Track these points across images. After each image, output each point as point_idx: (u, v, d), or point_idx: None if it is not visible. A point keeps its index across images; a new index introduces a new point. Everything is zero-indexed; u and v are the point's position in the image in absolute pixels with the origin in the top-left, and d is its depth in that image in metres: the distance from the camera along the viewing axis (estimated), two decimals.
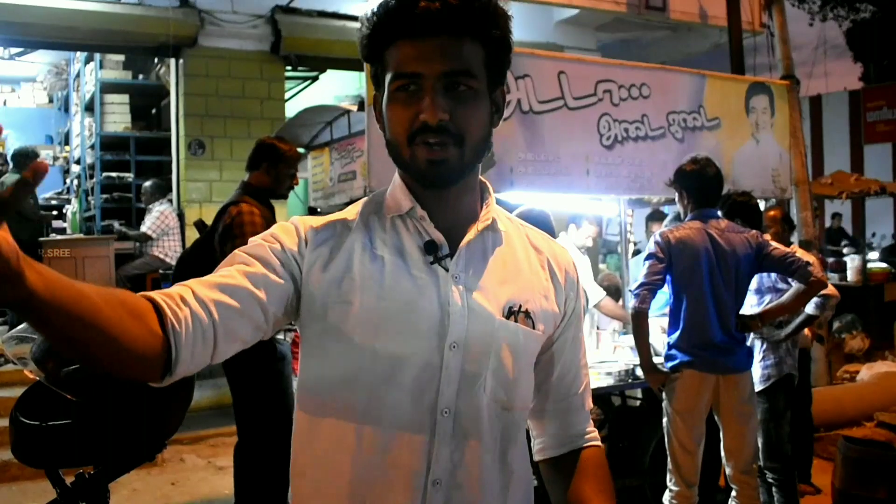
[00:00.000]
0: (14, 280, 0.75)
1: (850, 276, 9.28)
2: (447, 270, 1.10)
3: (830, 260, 9.93)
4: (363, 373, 1.08)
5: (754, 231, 3.46)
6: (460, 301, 1.09)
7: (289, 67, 7.87)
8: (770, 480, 3.70)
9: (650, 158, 4.64)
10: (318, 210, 6.35)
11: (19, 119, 10.70)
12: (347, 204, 1.24)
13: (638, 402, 4.51)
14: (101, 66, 8.19)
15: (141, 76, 8.68)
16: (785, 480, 3.68)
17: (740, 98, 5.19)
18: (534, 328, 1.14)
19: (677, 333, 3.34)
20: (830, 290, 3.61)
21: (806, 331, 4.00)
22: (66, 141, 10.30)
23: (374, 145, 3.94)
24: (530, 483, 1.22)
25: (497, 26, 1.08)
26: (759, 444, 3.63)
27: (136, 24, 7.08)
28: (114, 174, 8.15)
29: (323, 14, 7.67)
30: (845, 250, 11.40)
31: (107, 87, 8.24)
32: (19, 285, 0.76)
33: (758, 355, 3.75)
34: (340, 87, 9.16)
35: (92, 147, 8.44)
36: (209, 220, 3.64)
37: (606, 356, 4.19)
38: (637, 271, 3.80)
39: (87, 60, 8.50)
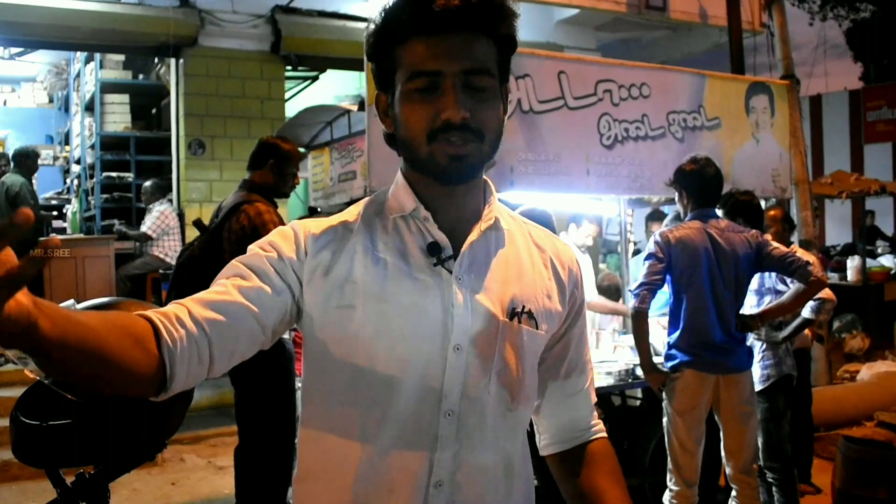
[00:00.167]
0: (27, 333, 0.76)
1: (850, 275, 9.27)
2: (450, 272, 1.10)
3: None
4: (366, 376, 1.07)
5: (754, 231, 3.46)
6: (463, 303, 1.09)
7: (289, 67, 7.87)
8: (770, 480, 3.70)
9: (650, 158, 4.64)
10: (319, 210, 6.35)
11: (19, 119, 10.71)
12: (348, 204, 1.24)
13: (638, 402, 4.51)
14: (102, 66, 8.19)
15: (141, 76, 8.68)
16: (785, 480, 3.68)
17: (740, 98, 5.19)
18: (537, 328, 1.14)
19: (677, 333, 3.34)
20: (827, 293, 3.61)
21: (806, 330, 4.00)
22: (67, 141, 10.29)
23: (375, 145, 3.93)
24: (531, 482, 1.22)
25: (508, 24, 1.08)
26: (760, 444, 3.63)
27: (137, 23, 7.08)
28: (114, 174, 8.15)
29: (323, 14, 7.67)
30: (879, 250, 10.96)
31: (107, 87, 8.24)
32: (32, 334, 0.77)
33: (757, 356, 3.75)
34: (340, 87, 9.16)
35: (92, 147, 8.44)
36: (208, 220, 3.64)
37: (606, 356, 4.19)
38: (637, 271, 3.81)
39: (88, 60, 8.50)
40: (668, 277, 3.33)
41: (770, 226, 4.19)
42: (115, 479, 1.80)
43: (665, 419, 3.37)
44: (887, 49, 20.71)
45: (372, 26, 1.09)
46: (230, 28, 7.43)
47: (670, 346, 3.38)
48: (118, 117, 8.26)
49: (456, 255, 1.11)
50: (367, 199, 1.20)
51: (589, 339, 1.34)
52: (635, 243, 6.14)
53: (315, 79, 8.77)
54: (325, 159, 6.46)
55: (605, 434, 1.30)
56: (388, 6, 1.07)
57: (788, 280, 3.61)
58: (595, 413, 1.30)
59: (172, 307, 1.01)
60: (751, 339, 3.70)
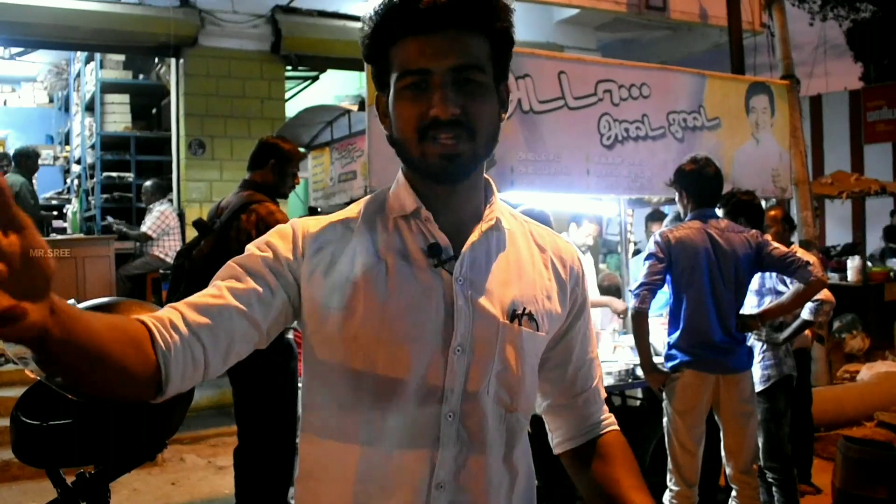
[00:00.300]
0: (39, 339, 0.77)
1: (850, 275, 9.26)
2: (451, 274, 1.09)
3: None
4: (367, 377, 1.07)
5: (754, 231, 3.46)
6: (465, 304, 1.08)
7: (289, 67, 7.88)
8: (770, 480, 3.70)
9: (650, 158, 4.64)
10: (319, 210, 6.35)
11: (20, 119, 10.71)
12: (348, 204, 1.24)
13: (638, 402, 4.52)
14: (102, 66, 8.20)
15: (141, 76, 8.68)
16: (785, 480, 3.68)
17: (740, 98, 5.19)
18: (537, 330, 1.14)
19: (677, 333, 3.34)
20: (825, 294, 3.61)
21: (806, 331, 4.00)
22: (67, 141, 10.30)
23: (375, 145, 3.94)
24: (533, 483, 1.21)
25: (501, 19, 1.07)
26: (760, 444, 3.63)
27: (137, 23, 7.09)
28: (114, 174, 8.15)
29: (323, 14, 7.68)
30: None
31: (107, 87, 8.25)
32: (44, 341, 0.77)
33: (758, 356, 3.75)
34: (341, 87, 9.17)
35: (92, 147, 8.44)
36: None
37: (606, 356, 4.19)
38: (637, 271, 3.80)
39: (88, 60, 8.50)
40: (668, 277, 3.33)
41: (770, 226, 4.19)
42: (115, 478, 1.80)
43: (665, 419, 3.37)
44: (887, 49, 20.71)
45: (365, 28, 1.08)
46: (230, 28, 7.43)
47: (670, 347, 3.38)
48: (118, 117, 8.26)
49: (457, 256, 1.10)
50: (367, 197, 1.19)
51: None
52: (635, 243, 6.13)
53: (315, 79, 8.78)
54: (325, 159, 6.47)
55: (616, 427, 1.30)
56: (378, 8, 1.06)
57: (788, 281, 3.61)
58: (605, 408, 1.31)
59: (166, 311, 1.01)
60: (751, 340, 3.70)
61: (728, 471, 3.38)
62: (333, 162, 6.32)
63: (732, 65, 6.51)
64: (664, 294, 3.54)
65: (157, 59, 8.04)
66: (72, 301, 1.26)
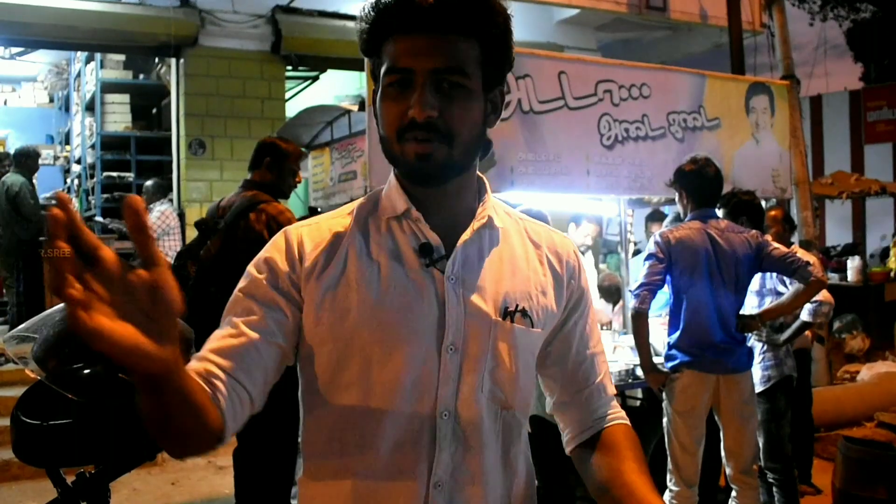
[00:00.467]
0: (162, 378, 0.81)
1: (851, 276, 9.27)
2: (443, 273, 1.10)
3: None
4: (361, 378, 1.08)
5: (754, 231, 3.46)
6: (456, 303, 1.09)
7: (289, 67, 7.87)
8: (771, 481, 3.70)
9: (650, 158, 4.64)
10: (319, 210, 6.35)
11: (20, 118, 10.72)
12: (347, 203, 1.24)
13: (638, 402, 4.51)
14: (102, 66, 8.20)
15: (141, 76, 8.68)
16: (785, 481, 3.68)
17: (740, 98, 5.19)
18: (532, 326, 1.14)
19: (677, 334, 3.34)
20: (824, 296, 3.61)
21: (807, 331, 4.01)
22: (67, 140, 10.30)
23: (375, 145, 3.94)
24: (533, 483, 1.21)
25: (494, 25, 1.06)
26: (760, 445, 3.64)
27: (137, 23, 7.08)
28: (114, 174, 8.15)
29: (323, 14, 7.67)
30: None
31: (107, 87, 8.25)
32: (166, 382, 0.82)
33: (758, 357, 3.75)
34: (341, 87, 9.16)
35: (92, 147, 8.45)
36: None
37: (606, 356, 4.19)
38: (637, 271, 3.80)
39: (88, 60, 8.51)
40: (668, 278, 3.33)
41: (771, 226, 4.19)
42: (115, 478, 1.80)
43: (665, 419, 3.37)
44: (887, 49, 20.71)
45: (362, 24, 1.09)
46: (230, 28, 7.43)
47: (670, 347, 3.38)
48: (118, 117, 8.26)
49: (449, 255, 1.11)
50: (361, 199, 1.20)
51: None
52: (635, 243, 6.14)
53: (315, 79, 8.78)
54: (325, 159, 6.47)
55: (624, 421, 1.26)
56: (372, 3, 1.06)
57: (788, 282, 3.61)
58: (615, 403, 1.27)
59: (200, 364, 1.04)
60: (751, 341, 3.71)
61: (728, 471, 3.39)
62: (333, 162, 6.32)
63: (732, 65, 6.51)
64: (664, 294, 3.54)
65: (157, 59, 8.04)
66: None
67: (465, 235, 1.12)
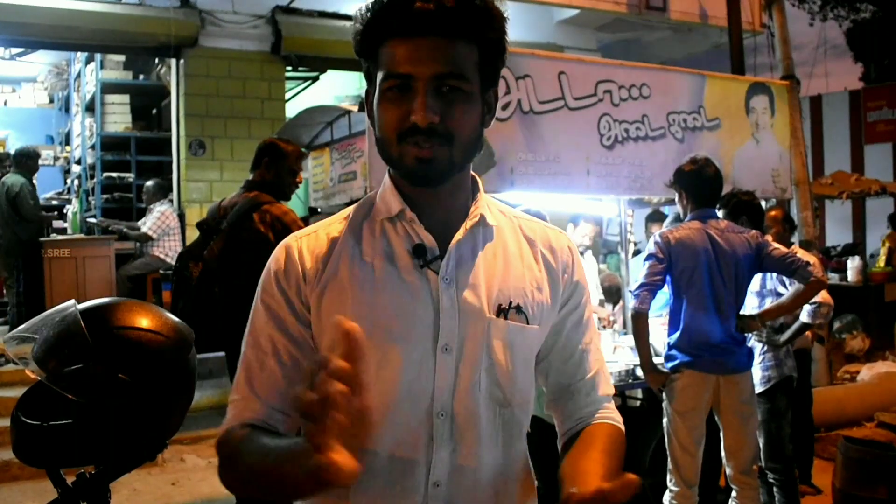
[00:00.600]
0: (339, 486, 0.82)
1: (851, 276, 9.26)
2: (437, 273, 1.10)
3: None
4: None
5: (754, 231, 3.47)
6: (450, 303, 1.09)
7: (289, 68, 7.88)
8: (771, 481, 3.70)
9: (650, 159, 4.64)
10: (319, 210, 6.36)
11: (20, 119, 10.72)
12: (348, 204, 1.25)
13: (638, 403, 4.51)
14: (102, 67, 8.20)
15: (141, 76, 8.68)
16: (786, 481, 3.68)
17: (740, 98, 5.19)
18: (527, 323, 1.14)
19: (677, 334, 3.34)
20: (824, 297, 3.61)
21: (807, 331, 4.00)
22: (67, 141, 10.30)
23: (375, 145, 3.94)
24: (533, 483, 1.21)
25: (492, 28, 1.07)
26: (761, 445, 3.64)
27: (137, 24, 7.09)
28: (114, 174, 8.15)
29: (323, 14, 7.68)
30: None
31: (107, 88, 8.25)
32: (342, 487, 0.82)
33: (758, 357, 3.75)
34: (341, 88, 9.16)
35: (92, 147, 8.44)
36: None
37: (606, 356, 4.19)
38: (637, 271, 3.81)
39: (88, 61, 8.50)
40: (668, 278, 3.34)
41: (771, 226, 4.19)
42: (115, 479, 1.80)
43: (665, 420, 3.37)
44: (888, 49, 20.71)
45: (357, 25, 1.09)
46: (230, 28, 7.43)
47: (670, 347, 3.38)
48: (119, 118, 8.26)
49: (443, 256, 1.11)
50: (357, 203, 1.21)
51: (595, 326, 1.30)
52: (635, 244, 6.14)
53: (315, 79, 8.77)
54: (325, 160, 6.47)
55: (611, 420, 1.22)
56: (369, 6, 1.07)
57: (789, 282, 3.61)
58: (606, 404, 1.24)
59: (261, 412, 1.09)
60: (752, 341, 3.71)
61: (728, 471, 3.39)
62: (333, 162, 6.32)
63: (732, 65, 6.51)
64: (664, 294, 3.54)
65: (157, 60, 8.04)
66: (72, 301, 1.27)
67: (459, 235, 1.12)
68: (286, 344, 1.11)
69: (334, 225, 1.17)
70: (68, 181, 10.13)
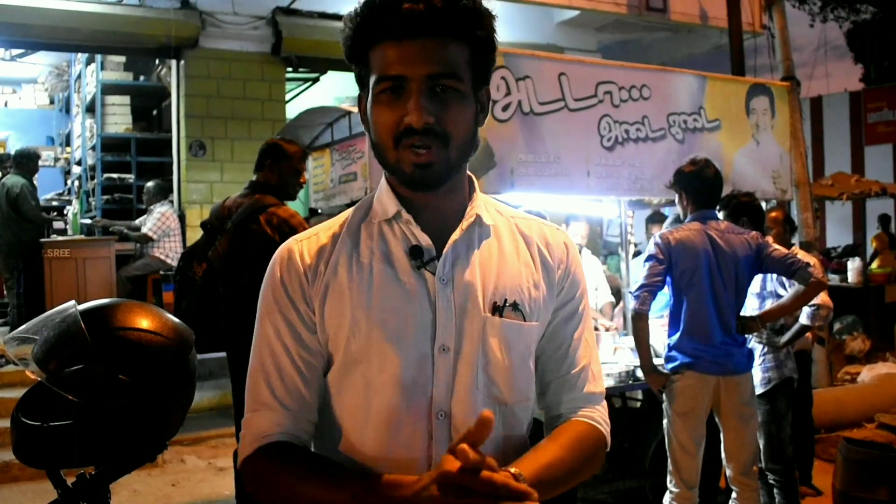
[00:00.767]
0: None
1: (851, 277, 9.26)
2: (434, 274, 1.10)
3: None
4: (358, 382, 1.10)
5: (754, 232, 3.47)
6: (447, 303, 1.10)
7: (289, 69, 7.88)
8: (772, 482, 3.70)
9: (650, 160, 4.64)
10: (319, 211, 6.35)
11: (20, 120, 10.73)
12: (349, 205, 1.25)
13: (638, 404, 4.51)
14: (102, 68, 8.20)
15: (142, 77, 8.68)
16: (786, 482, 3.68)
17: (741, 99, 5.19)
18: (524, 320, 1.14)
19: (677, 335, 3.34)
20: (823, 299, 3.60)
21: (807, 332, 4.00)
22: (67, 142, 10.30)
23: None
24: None
25: (482, 27, 1.07)
26: (761, 446, 3.64)
27: (137, 25, 7.09)
28: (115, 175, 8.15)
29: (323, 15, 7.69)
30: None
31: (108, 89, 8.25)
32: None
33: (758, 359, 3.75)
34: (341, 89, 9.16)
35: (93, 148, 8.45)
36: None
37: (607, 357, 4.19)
38: (637, 272, 3.81)
39: (88, 62, 8.51)
40: (668, 279, 3.33)
41: (771, 227, 4.19)
42: (115, 479, 1.80)
43: (665, 421, 3.37)
44: (888, 50, 20.72)
45: (346, 30, 1.09)
46: (231, 29, 7.44)
47: (670, 348, 3.38)
48: (119, 119, 8.26)
49: (440, 256, 1.11)
50: (356, 205, 1.21)
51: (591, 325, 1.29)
52: (636, 245, 6.14)
53: (316, 80, 8.78)
54: (325, 161, 6.47)
55: (589, 420, 1.19)
56: (358, 10, 1.07)
57: (789, 284, 3.61)
58: (592, 404, 1.21)
59: (300, 421, 1.12)
60: (752, 342, 3.71)
61: (728, 472, 3.38)
62: (334, 163, 6.32)
63: (733, 66, 6.52)
64: (664, 296, 3.54)
65: (157, 61, 8.05)
66: (72, 302, 1.27)
67: (455, 235, 1.12)
68: (300, 350, 1.11)
69: (334, 227, 1.17)
70: (69, 182, 10.14)
